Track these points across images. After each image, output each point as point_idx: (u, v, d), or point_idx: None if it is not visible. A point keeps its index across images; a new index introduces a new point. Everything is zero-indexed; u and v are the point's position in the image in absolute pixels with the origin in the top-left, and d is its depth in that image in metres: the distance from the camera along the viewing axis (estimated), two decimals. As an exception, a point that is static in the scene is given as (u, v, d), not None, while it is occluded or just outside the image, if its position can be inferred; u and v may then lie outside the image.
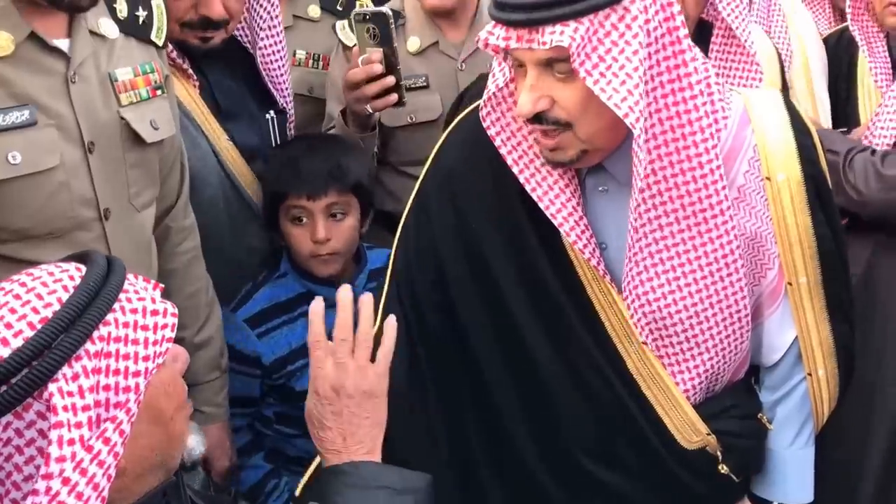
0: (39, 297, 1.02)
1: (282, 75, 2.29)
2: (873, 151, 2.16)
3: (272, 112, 2.27)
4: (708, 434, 1.59)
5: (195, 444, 1.41)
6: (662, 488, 1.61)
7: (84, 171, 1.64)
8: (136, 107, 1.74)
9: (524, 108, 1.39)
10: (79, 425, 0.98)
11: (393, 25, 2.05)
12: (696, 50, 1.45)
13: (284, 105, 2.31)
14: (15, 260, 1.57)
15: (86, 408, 0.99)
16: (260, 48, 2.25)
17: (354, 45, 2.23)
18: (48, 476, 0.96)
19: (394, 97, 2.09)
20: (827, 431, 1.73)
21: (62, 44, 1.63)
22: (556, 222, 1.50)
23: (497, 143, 1.53)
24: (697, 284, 1.52)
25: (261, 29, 2.23)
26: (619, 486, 1.60)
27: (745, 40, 2.08)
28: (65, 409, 0.97)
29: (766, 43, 2.37)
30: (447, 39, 2.36)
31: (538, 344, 1.57)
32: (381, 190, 2.39)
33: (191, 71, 2.12)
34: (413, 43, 2.35)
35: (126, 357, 1.04)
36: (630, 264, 1.51)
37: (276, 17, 2.25)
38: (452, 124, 1.72)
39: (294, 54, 2.62)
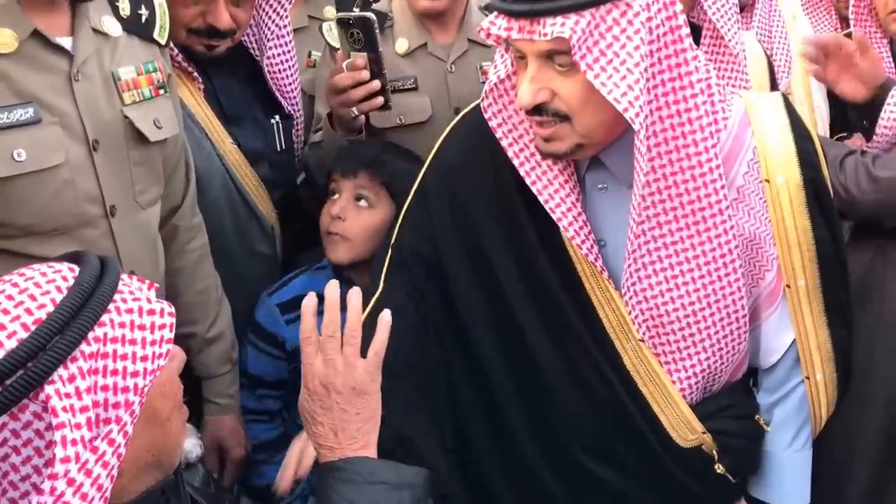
0: (32, 297, 1.02)
1: (290, 84, 2.31)
2: (863, 153, 2.16)
3: (277, 117, 2.29)
4: (703, 433, 1.61)
5: (192, 446, 1.42)
6: (659, 487, 1.62)
7: (89, 169, 1.65)
8: (139, 106, 1.76)
9: (524, 99, 1.41)
10: (79, 426, 0.99)
11: (377, 30, 2.05)
12: (697, 52, 1.47)
13: (291, 111, 2.33)
14: (22, 255, 1.58)
15: (84, 409, 1.00)
16: (268, 57, 2.27)
17: (339, 50, 2.23)
18: (53, 476, 0.97)
19: (379, 101, 2.09)
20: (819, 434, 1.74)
21: (65, 42, 1.64)
22: (554, 217, 1.52)
23: (498, 134, 1.55)
24: (695, 283, 1.54)
25: (269, 39, 2.25)
26: (616, 484, 1.62)
27: (731, 41, 2.10)
28: (64, 409, 0.98)
29: (756, 47, 2.39)
30: (435, 41, 2.35)
31: (537, 340, 1.59)
32: None
33: (195, 73, 2.14)
34: (401, 44, 2.34)
35: (124, 357, 1.04)
36: (630, 261, 1.52)
37: (286, 27, 2.27)
38: (456, 119, 1.74)
39: (309, 55, 2.63)
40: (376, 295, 1.68)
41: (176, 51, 2.07)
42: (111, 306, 1.05)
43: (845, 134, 2.46)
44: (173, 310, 1.13)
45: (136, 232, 1.76)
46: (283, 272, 2.29)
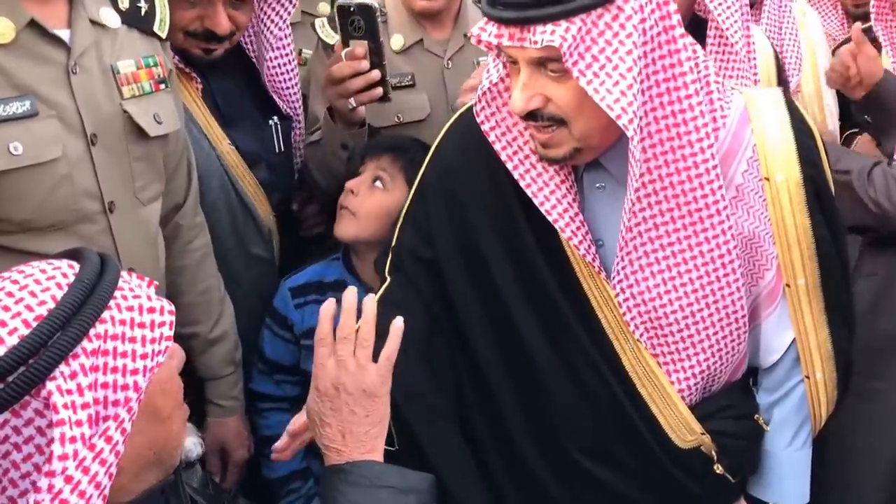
0: (33, 294, 1.03)
1: (289, 87, 2.31)
2: (890, 162, 2.14)
3: (275, 118, 2.29)
4: (702, 434, 1.61)
5: (192, 445, 1.43)
6: (658, 487, 1.63)
7: (87, 164, 1.65)
8: (139, 100, 1.76)
9: (517, 105, 1.42)
10: (79, 423, 1.00)
11: (379, 18, 2.02)
12: (696, 48, 1.47)
13: (289, 113, 2.32)
14: (19, 251, 1.58)
15: (85, 405, 1.01)
16: (267, 60, 2.27)
17: (336, 41, 2.21)
18: (51, 474, 0.97)
19: (378, 91, 2.04)
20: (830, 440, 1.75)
21: (62, 33, 1.64)
22: (550, 218, 1.52)
23: (491, 138, 1.55)
24: (693, 284, 1.54)
25: (269, 43, 2.25)
26: (615, 485, 1.63)
27: (733, 36, 2.09)
28: (65, 406, 0.99)
29: (763, 42, 2.38)
30: (431, 37, 2.33)
31: (534, 341, 1.60)
32: None
33: (193, 74, 2.14)
34: (397, 41, 2.31)
35: (123, 355, 1.05)
36: (623, 262, 1.53)
37: (286, 29, 2.27)
38: (454, 116, 1.75)
39: (300, 53, 2.61)
40: (384, 287, 1.69)
41: (172, 53, 2.06)
42: (112, 303, 1.06)
43: (856, 130, 2.46)
44: (173, 307, 1.14)
45: (136, 229, 1.77)
46: (280, 275, 2.29)
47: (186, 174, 1.97)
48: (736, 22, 2.10)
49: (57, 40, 1.62)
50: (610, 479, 1.63)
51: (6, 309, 1.01)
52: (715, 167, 1.47)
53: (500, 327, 1.62)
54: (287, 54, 2.29)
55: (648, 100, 1.43)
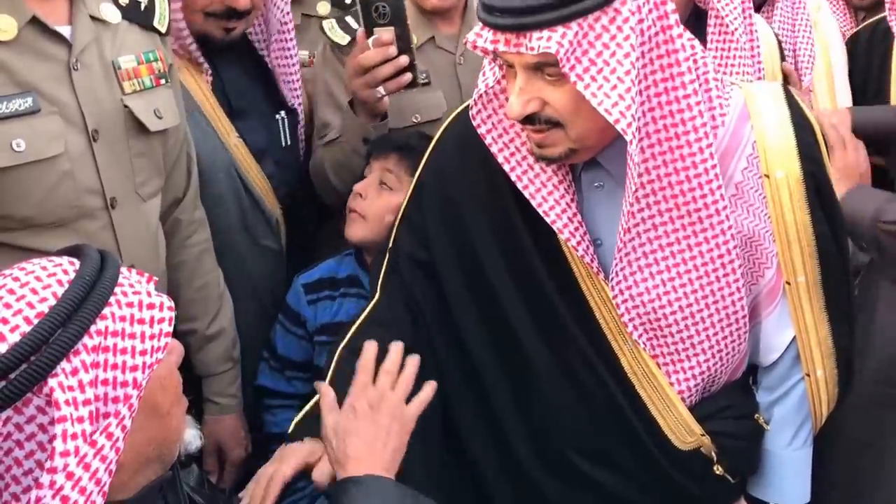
0: (34, 291, 1.04)
1: (293, 74, 2.32)
2: None
3: (283, 112, 2.30)
4: (702, 435, 1.62)
5: (192, 438, 1.44)
6: (657, 489, 1.64)
7: (89, 160, 1.67)
8: (140, 95, 1.77)
9: (514, 110, 1.42)
10: (80, 419, 1.01)
11: (404, 2, 2.00)
12: (694, 45, 1.47)
13: (294, 104, 2.33)
14: (21, 248, 1.60)
15: (87, 402, 1.02)
16: (273, 43, 2.28)
17: (349, 42, 2.21)
18: (52, 470, 0.99)
19: (407, 77, 2.02)
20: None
21: (63, 30, 1.66)
22: (548, 219, 1.53)
23: (488, 141, 1.56)
24: (692, 285, 1.55)
25: (275, 28, 2.27)
26: (613, 486, 1.64)
27: (733, 23, 2.09)
28: (67, 403, 1.00)
29: (766, 31, 2.37)
30: (442, 33, 2.34)
31: (531, 342, 1.61)
32: None
33: (206, 64, 2.15)
34: None
35: (123, 351, 1.07)
36: (621, 263, 1.54)
37: (288, 14, 2.28)
38: (451, 116, 1.75)
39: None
40: (372, 302, 1.72)
41: (190, 39, 2.09)
42: (112, 299, 1.07)
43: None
44: (172, 304, 1.15)
45: (137, 224, 1.78)
46: (288, 268, 2.31)
47: (186, 169, 1.98)
48: (736, 9, 2.10)
49: (58, 37, 1.64)
50: (608, 481, 1.63)
51: (7, 306, 1.02)
52: (714, 167, 1.47)
53: (496, 328, 1.63)
54: (291, 39, 2.30)
55: (646, 100, 1.43)
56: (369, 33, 2.01)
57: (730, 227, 1.52)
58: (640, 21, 1.37)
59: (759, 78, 2.18)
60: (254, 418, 2.23)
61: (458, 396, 1.65)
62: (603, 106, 1.35)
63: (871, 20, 2.73)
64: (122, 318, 1.08)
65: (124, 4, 1.80)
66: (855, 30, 2.81)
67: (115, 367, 1.06)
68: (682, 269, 1.54)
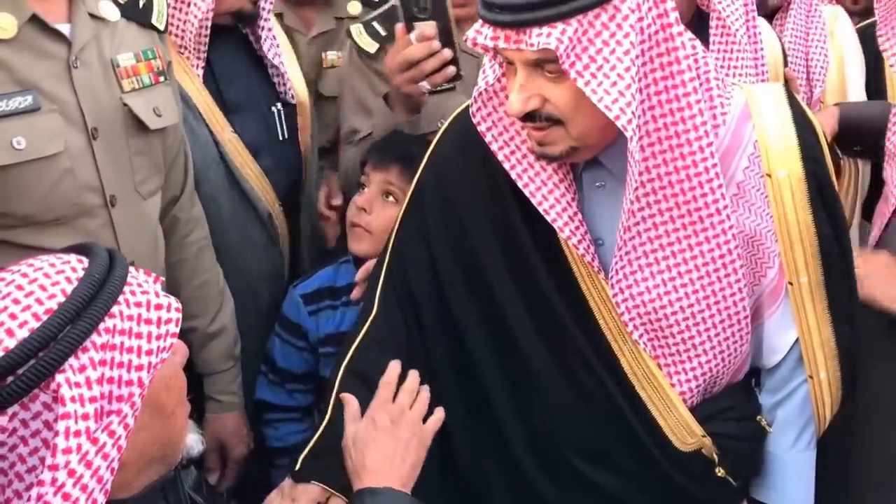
0: (43, 288, 1.06)
1: (282, 65, 2.32)
2: None
3: (279, 105, 2.32)
4: (703, 436, 1.63)
5: (193, 441, 1.45)
6: (657, 490, 1.65)
7: (88, 158, 1.69)
8: (139, 93, 1.80)
9: (514, 107, 1.44)
10: (85, 416, 1.03)
11: None
12: (695, 44, 1.49)
13: (287, 97, 2.34)
14: (22, 246, 1.62)
15: (93, 399, 1.04)
16: (263, 28, 2.29)
17: (377, 49, 2.23)
18: (54, 467, 1.00)
19: (451, 70, 2.04)
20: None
21: (63, 28, 1.68)
22: (549, 218, 1.54)
23: (488, 138, 1.57)
24: (693, 285, 1.56)
25: (260, 15, 2.28)
26: (613, 488, 1.65)
27: (734, 24, 2.10)
28: (73, 399, 1.02)
29: (771, 36, 2.38)
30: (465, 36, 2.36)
31: (530, 342, 1.62)
32: None
33: (199, 56, 2.16)
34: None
35: (130, 350, 1.08)
36: (621, 262, 1.55)
37: (270, 2, 2.29)
38: (451, 116, 1.77)
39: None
40: (371, 317, 1.73)
41: (204, 28, 2.10)
42: (120, 298, 1.09)
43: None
44: (180, 305, 1.17)
45: (137, 223, 1.80)
46: (291, 265, 2.33)
47: (183, 166, 2.00)
48: (737, 10, 2.12)
49: (58, 35, 1.66)
50: (607, 483, 1.64)
51: (16, 302, 1.04)
52: (715, 166, 1.49)
53: (495, 328, 1.65)
54: (270, 28, 2.31)
55: (646, 98, 1.45)
56: (409, 28, 2.03)
57: (731, 227, 1.53)
58: (640, 19, 1.39)
59: (763, 81, 2.19)
60: (254, 431, 2.24)
61: (457, 397, 1.67)
62: (603, 102, 1.37)
63: (864, 23, 2.75)
64: (130, 318, 1.10)
65: (123, 2, 1.82)
66: None
67: (120, 365, 1.07)
68: (682, 269, 1.55)
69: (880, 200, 2.15)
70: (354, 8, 2.81)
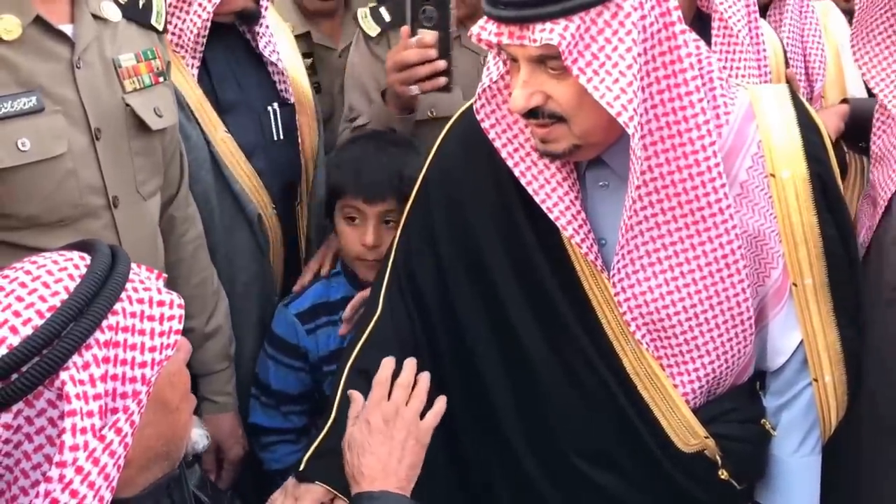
0: (46, 285, 1.07)
1: (278, 62, 2.33)
2: None
3: (275, 105, 2.32)
4: (706, 437, 1.64)
5: (199, 437, 1.46)
6: (659, 492, 1.66)
7: (92, 159, 1.71)
8: (140, 93, 1.82)
9: (517, 103, 1.46)
10: (90, 414, 1.04)
11: (453, 9, 2.10)
12: (699, 44, 1.51)
13: (286, 96, 2.35)
14: (24, 247, 1.62)
15: (97, 396, 1.05)
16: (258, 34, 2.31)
17: (378, 33, 2.32)
18: (62, 464, 1.01)
19: (442, 80, 2.13)
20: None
21: (66, 29, 1.70)
22: (552, 216, 1.56)
23: (491, 136, 1.60)
24: (696, 285, 1.58)
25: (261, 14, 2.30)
26: (615, 490, 1.66)
27: (736, 24, 2.13)
28: (77, 397, 1.03)
29: (772, 37, 2.39)
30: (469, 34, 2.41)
31: (532, 340, 1.64)
32: None
33: (194, 55, 2.17)
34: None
35: (133, 347, 1.09)
36: (624, 261, 1.57)
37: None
38: (456, 114, 1.79)
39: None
40: (376, 316, 1.75)
41: (204, 28, 2.11)
42: (123, 295, 1.10)
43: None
44: (182, 301, 1.18)
45: (138, 223, 1.82)
46: (286, 268, 2.33)
47: (179, 164, 2.02)
48: (739, 11, 2.14)
49: (61, 35, 1.68)
50: (609, 484, 1.65)
51: (20, 299, 1.05)
52: (717, 165, 1.51)
53: (498, 327, 1.66)
54: (267, 25, 2.32)
55: (649, 97, 1.47)
56: (413, 33, 2.10)
57: (734, 227, 1.54)
58: (643, 17, 1.41)
59: (766, 82, 2.21)
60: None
61: (460, 396, 1.68)
62: (605, 99, 1.39)
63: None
64: (133, 315, 1.10)
65: (123, 2, 1.84)
66: None
67: (124, 362, 1.08)
68: (685, 269, 1.57)
69: (863, 200, 2.14)
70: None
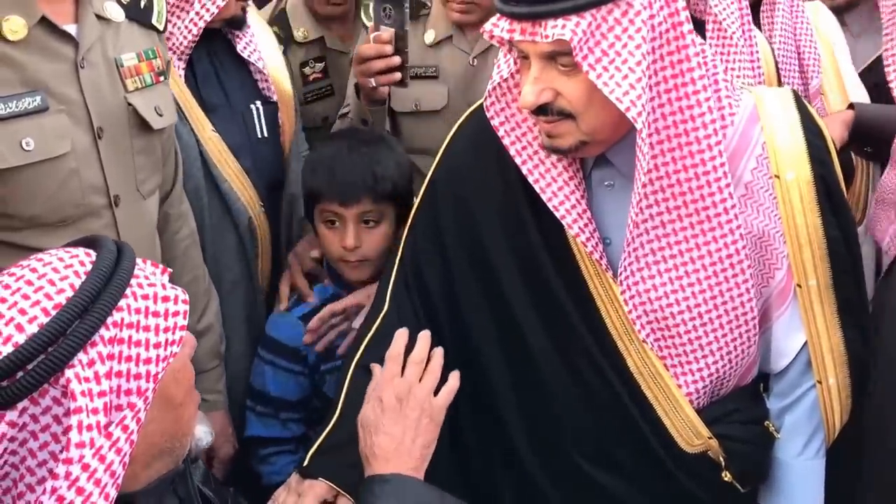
0: (52, 282, 1.09)
1: (259, 61, 2.36)
2: None
3: (258, 103, 2.36)
4: (710, 438, 1.65)
5: (203, 434, 1.47)
6: (662, 493, 1.67)
7: (94, 158, 1.73)
8: (142, 93, 1.84)
9: (527, 99, 1.49)
10: (95, 411, 1.05)
11: (408, 9, 2.24)
12: (705, 46, 1.54)
13: (268, 94, 2.38)
14: (25, 248, 1.64)
15: (102, 394, 1.07)
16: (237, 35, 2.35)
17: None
18: (68, 461, 1.03)
19: (397, 76, 2.26)
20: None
21: (70, 29, 1.73)
22: (558, 214, 1.59)
23: (500, 133, 1.63)
24: (701, 284, 1.60)
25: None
26: (617, 490, 1.67)
27: (731, 26, 2.17)
28: (82, 394, 1.04)
29: (762, 42, 2.41)
30: (462, 35, 2.53)
31: (537, 339, 1.66)
32: None
33: (181, 57, 2.20)
34: (430, 35, 2.56)
35: (138, 344, 1.11)
36: (629, 259, 1.59)
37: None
38: (466, 113, 1.83)
39: None
40: (382, 313, 1.78)
41: (200, 32, 2.15)
42: (128, 291, 1.12)
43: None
44: (187, 297, 1.20)
45: (138, 222, 1.84)
46: (273, 267, 2.34)
47: (174, 162, 2.05)
48: (733, 13, 2.17)
49: (66, 36, 1.70)
50: (611, 484, 1.67)
51: (25, 297, 1.06)
52: (723, 164, 1.53)
53: (503, 325, 1.69)
54: (248, 25, 2.35)
55: (656, 95, 1.50)
56: (377, 29, 2.25)
57: (738, 227, 1.57)
58: (652, 16, 1.45)
59: (760, 83, 2.25)
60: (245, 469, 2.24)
61: (463, 392, 1.69)
62: (614, 94, 1.43)
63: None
64: (138, 311, 1.12)
65: (125, 2, 1.87)
66: None
67: (129, 359, 1.10)
68: (690, 269, 1.59)
69: (877, 205, 2.15)
70: None
